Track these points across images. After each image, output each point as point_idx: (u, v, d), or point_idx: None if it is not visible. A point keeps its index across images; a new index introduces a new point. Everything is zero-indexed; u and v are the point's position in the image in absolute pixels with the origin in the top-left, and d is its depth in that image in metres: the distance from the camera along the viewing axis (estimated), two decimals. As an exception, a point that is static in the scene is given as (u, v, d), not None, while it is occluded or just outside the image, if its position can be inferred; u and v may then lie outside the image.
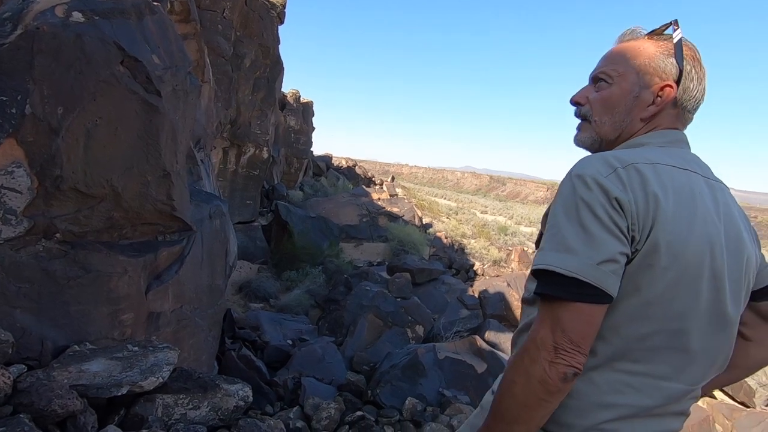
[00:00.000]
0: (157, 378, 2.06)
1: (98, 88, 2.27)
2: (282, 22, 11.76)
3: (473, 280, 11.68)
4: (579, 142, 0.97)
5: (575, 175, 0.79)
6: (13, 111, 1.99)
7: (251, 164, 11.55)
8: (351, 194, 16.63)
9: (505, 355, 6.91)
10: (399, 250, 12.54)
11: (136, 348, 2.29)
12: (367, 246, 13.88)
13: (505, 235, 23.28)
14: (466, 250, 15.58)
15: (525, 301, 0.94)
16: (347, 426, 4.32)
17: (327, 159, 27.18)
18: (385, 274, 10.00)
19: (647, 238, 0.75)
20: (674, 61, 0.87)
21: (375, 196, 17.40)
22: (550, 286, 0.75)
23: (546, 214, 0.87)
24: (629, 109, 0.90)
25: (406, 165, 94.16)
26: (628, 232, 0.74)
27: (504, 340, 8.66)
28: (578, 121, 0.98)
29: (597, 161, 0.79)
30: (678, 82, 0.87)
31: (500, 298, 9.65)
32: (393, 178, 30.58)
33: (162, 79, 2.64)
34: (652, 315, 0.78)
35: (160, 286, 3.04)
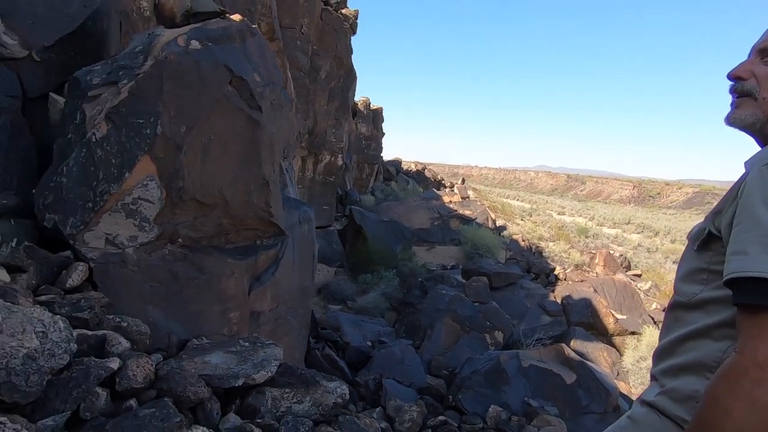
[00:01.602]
0: (267, 372, 2.22)
1: (212, 107, 2.52)
2: (354, 33, 12.16)
3: (554, 285, 11.07)
4: (736, 120, 0.88)
5: None
6: (148, 131, 2.28)
7: (327, 171, 12.06)
8: (422, 198, 16.63)
9: (596, 366, 6.43)
10: (473, 254, 12.29)
11: (246, 344, 2.49)
12: (440, 249, 13.78)
13: (586, 237, 21.84)
14: (544, 254, 14.82)
15: (681, 306, 0.86)
16: (429, 430, 4.30)
17: (396, 163, 27.49)
18: (460, 278, 9.84)
19: None
20: None
21: (446, 199, 17.23)
22: None
23: (718, 212, 0.80)
24: None
25: (476, 166, 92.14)
26: None
27: (592, 349, 8.09)
28: (732, 97, 0.89)
29: None
30: None
31: (586, 304, 9.03)
32: (463, 180, 30.05)
33: (262, 96, 2.86)
34: None
35: (260, 287, 3.28)
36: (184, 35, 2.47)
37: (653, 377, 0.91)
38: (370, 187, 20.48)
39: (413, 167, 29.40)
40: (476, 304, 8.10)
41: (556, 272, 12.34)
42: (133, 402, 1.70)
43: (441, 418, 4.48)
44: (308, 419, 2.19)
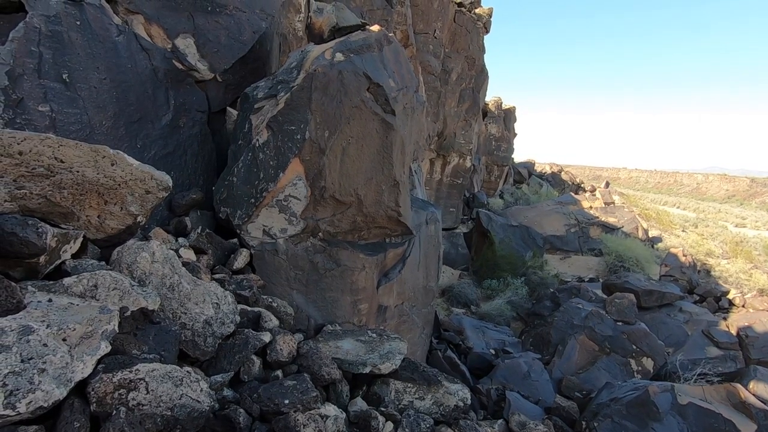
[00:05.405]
0: (392, 364, 2.32)
1: (351, 113, 2.73)
2: (487, 32, 11.86)
3: (727, 312, 9.15)
4: None
5: None
6: (298, 137, 2.58)
7: (455, 173, 12.00)
8: (556, 202, 15.35)
9: (787, 419, 5.08)
10: (617, 267, 10.91)
11: (374, 335, 2.63)
12: (576, 259, 12.57)
13: (778, 256, 17.45)
14: (713, 273, 12.36)
15: None
16: (558, 454, 3.96)
17: (529, 165, 25.91)
18: (600, 293, 8.82)
19: None
20: None
21: (586, 204, 15.59)
22: None
23: None
24: None
25: (624, 169, 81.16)
26: None
27: (781, 398, 6.43)
28: None
29: None
30: None
31: (774, 340, 7.24)
32: (608, 184, 26.82)
33: (396, 100, 2.99)
34: None
35: (388, 282, 3.43)
36: (330, 49, 2.73)
37: None
38: (498, 190, 19.72)
39: (548, 169, 27.34)
40: (619, 323, 7.17)
41: (730, 296, 10.17)
42: (279, 372, 1.95)
43: (571, 443, 4.09)
44: (429, 417, 2.21)
